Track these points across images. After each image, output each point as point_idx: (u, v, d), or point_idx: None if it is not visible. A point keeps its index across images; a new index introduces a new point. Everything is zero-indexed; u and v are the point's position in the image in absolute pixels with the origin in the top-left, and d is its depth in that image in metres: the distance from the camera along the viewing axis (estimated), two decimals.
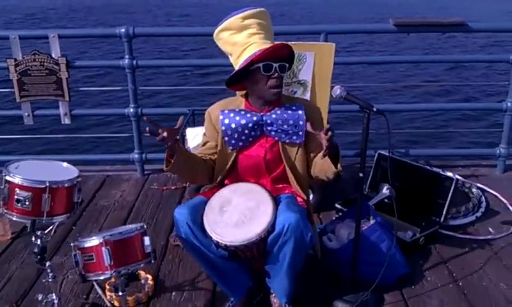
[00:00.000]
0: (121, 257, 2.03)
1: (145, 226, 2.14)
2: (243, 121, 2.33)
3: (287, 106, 2.35)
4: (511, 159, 4.18)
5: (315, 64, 3.05)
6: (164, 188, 3.89)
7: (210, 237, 2.17)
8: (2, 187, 2.08)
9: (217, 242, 2.16)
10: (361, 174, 2.35)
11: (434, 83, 9.42)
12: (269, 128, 2.33)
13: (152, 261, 2.13)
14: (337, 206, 3.34)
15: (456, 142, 6.34)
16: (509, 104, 3.95)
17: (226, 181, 2.48)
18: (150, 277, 2.70)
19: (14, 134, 4.87)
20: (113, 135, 5.45)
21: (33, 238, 2.17)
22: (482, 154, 4.48)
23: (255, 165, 2.41)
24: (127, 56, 3.76)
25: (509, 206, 3.52)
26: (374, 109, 2.23)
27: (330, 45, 3.10)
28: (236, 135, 2.35)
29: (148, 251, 2.10)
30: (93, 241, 2.02)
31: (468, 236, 3.16)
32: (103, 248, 1.99)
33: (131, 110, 3.92)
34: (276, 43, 2.23)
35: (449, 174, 3.23)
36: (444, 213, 3.16)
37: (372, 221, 2.75)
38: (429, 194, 3.23)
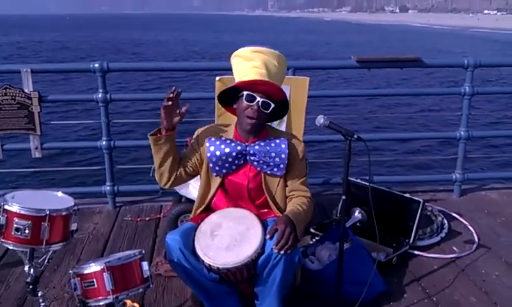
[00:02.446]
0: (121, 282, 2.06)
1: (143, 251, 2.18)
2: (227, 150, 2.43)
3: (272, 139, 2.47)
4: (466, 184, 4.48)
5: (290, 96, 3.22)
6: (138, 219, 3.90)
7: (203, 261, 2.24)
8: None
9: (210, 265, 2.22)
10: (343, 197, 2.51)
11: (394, 114, 9.89)
12: (252, 158, 2.44)
13: (151, 286, 2.17)
14: (312, 230, 3.47)
15: (414, 168, 6.68)
16: (462, 133, 4.26)
17: (214, 202, 2.57)
18: (137, 305, 2.70)
19: None
20: (83, 168, 5.40)
21: (26, 268, 2.16)
22: (439, 180, 4.76)
23: (239, 192, 2.51)
24: (100, 90, 3.81)
25: (469, 227, 3.77)
26: (355, 136, 2.39)
27: (305, 79, 3.28)
28: (220, 163, 2.45)
29: (147, 275, 2.14)
30: (94, 267, 2.04)
31: (435, 256, 3.36)
32: (104, 273, 2.02)
33: (103, 143, 3.95)
34: (264, 80, 2.32)
35: (416, 198, 3.44)
36: (413, 234, 3.36)
37: (350, 243, 2.89)
38: (397, 217, 3.43)
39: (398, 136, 5.75)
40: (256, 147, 2.43)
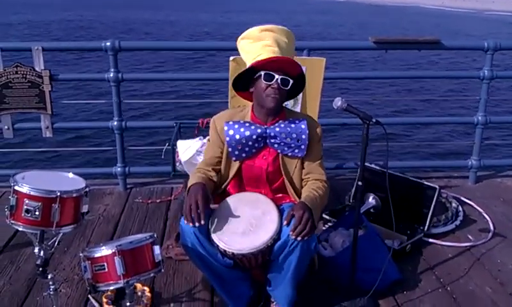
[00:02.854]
0: (132, 266, 2.03)
1: (155, 235, 2.14)
2: (247, 133, 2.37)
3: (291, 120, 2.41)
4: (481, 170, 4.40)
5: (306, 78, 3.13)
6: (149, 201, 3.87)
7: (217, 246, 2.20)
8: (10, 196, 2.04)
9: (224, 251, 2.19)
10: (359, 183, 2.44)
11: (410, 98, 9.76)
12: (272, 140, 2.38)
13: (162, 270, 2.13)
14: (325, 216, 3.41)
15: (428, 154, 6.58)
16: (479, 118, 4.16)
17: (228, 189, 2.52)
18: (147, 289, 2.68)
19: None
20: (94, 149, 5.38)
21: (36, 250, 2.14)
22: (454, 166, 4.68)
23: (257, 176, 2.46)
24: (112, 70, 3.75)
25: (485, 215, 3.69)
26: (373, 120, 2.33)
27: (321, 60, 3.20)
28: (240, 147, 2.39)
29: (159, 259, 2.11)
30: (105, 250, 2.01)
31: (450, 244, 3.30)
32: (116, 257, 1.98)
33: (115, 123, 3.90)
34: (281, 56, 2.27)
35: (431, 184, 3.37)
36: (428, 221, 3.30)
37: (365, 229, 2.83)
38: (412, 204, 3.36)
39: (414, 120, 5.63)
40: (277, 129, 2.37)
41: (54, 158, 5.94)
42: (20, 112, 3.84)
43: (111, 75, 3.76)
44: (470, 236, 3.41)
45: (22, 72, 3.69)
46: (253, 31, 2.36)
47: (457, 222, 3.54)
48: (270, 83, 2.27)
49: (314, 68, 3.19)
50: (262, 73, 2.28)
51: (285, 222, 2.19)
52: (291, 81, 2.30)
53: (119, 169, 4.04)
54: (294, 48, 2.46)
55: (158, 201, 3.88)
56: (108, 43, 3.68)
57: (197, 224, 2.15)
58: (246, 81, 2.38)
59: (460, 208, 3.72)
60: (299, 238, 2.13)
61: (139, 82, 8.81)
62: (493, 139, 6.93)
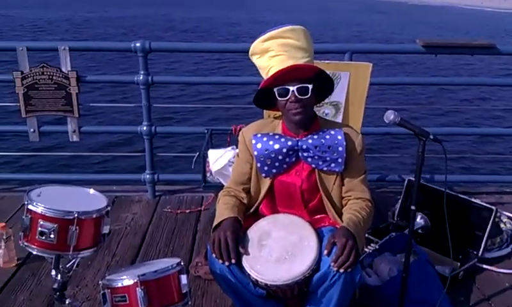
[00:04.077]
0: (156, 299, 1.80)
1: (182, 263, 1.91)
2: (276, 146, 2.13)
3: (325, 130, 2.15)
4: None
5: (349, 84, 2.88)
6: (178, 211, 3.66)
7: (249, 275, 1.97)
8: (23, 216, 1.85)
9: (256, 280, 1.95)
10: (413, 207, 2.17)
11: (456, 106, 9.33)
12: (305, 154, 2.13)
13: (189, 303, 1.90)
14: (367, 236, 3.14)
15: (478, 167, 6.20)
16: None
17: (261, 208, 2.29)
18: None
19: (18, 151, 4.63)
20: (122, 155, 5.22)
21: (53, 273, 1.94)
22: (506, 181, 4.32)
23: (291, 194, 2.21)
24: (142, 72, 3.56)
25: None
26: (431, 137, 2.05)
27: (367, 65, 2.92)
28: (269, 162, 2.15)
29: (185, 290, 1.88)
30: (126, 280, 1.79)
31: (506, 271, 2.99)
32: (138, 288, 1.76)
33: (144, 128, 3.71)
34: (288, 66, 2.00)
35: (487, 205, 3.06)
36: (483, 245, 2.98)
37: (415, 256, 2.55)
38: (464, 225, 3.05)
39: (466, 131, 5.24)
40: (310, 141, 2.11)
41: (80, 164, 5.80)
42: (47, 115, 3.68)
43: (141, 77, 3.56)
44: None
45: (49, 73, 3.53)
46: (256, 44, 2.11)
47: None
48: (286, 98, 2.03)
49: (359, 74, 2.91)
50: (275, 91, 2.05)
51: (325, 252, 1.94)
52: (310, 86, 2.03)
53: (148, 176, 3.84)
54: (310, 43, 2.13)
55: (187, 211, 3.67)
56: (138, 44, 3.49)
57: (227, 263, 1.95)
58: (269, 99, 2.14)
59: None
60: (341, 270, 1.88)
61: (170, 85, 8.63)
62: None
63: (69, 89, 3.57)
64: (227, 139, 3.33)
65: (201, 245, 3.22)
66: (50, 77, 3.54)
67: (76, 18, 21.54)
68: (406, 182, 3.38)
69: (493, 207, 3.01)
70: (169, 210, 3.68)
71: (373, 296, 2.50)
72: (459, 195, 3.23)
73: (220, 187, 3.06)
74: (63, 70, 3.54)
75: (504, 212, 3.61)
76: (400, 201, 3.39)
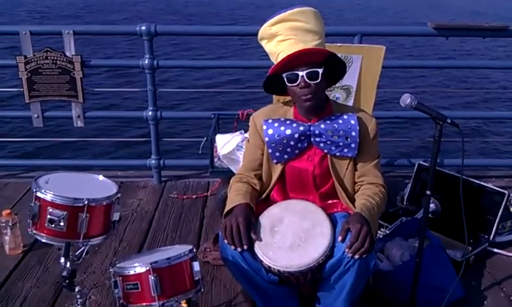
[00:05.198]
0: (169, 286, 1.77)
1: (194, 249, 1.88)
2: (288, 132, 2.09)
3: (338, 115, 2.10)
4: None
5: (361, 68, 2.82)
6: (185, 197, 3.63)
7: (261, 261, 1.94)
8: (31, 204, 1.81)
9: (269, 267, 1.92)
10: (428, 192, 2.13)
11: (469, 89, 9.21)
12: (317, 139, 2.09)
13: (202, 290, 1.87)
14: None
15: (487, 151, 6.13)
16: None
17: (272, 194, 2.25)
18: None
19: (21, 137, 4.58)
20: (127, 140, 5.16)
21: (62, 261, 1.90)
22: None
23: (303, 180, 2.17)
24: (147, 56, 3.49)
25: None
26: (448, 121, 2.00)
27: (380, 48, 2.85)
28: (281, 147, 2.11)
29: (198, 277, 1.85)
30: (139, 268, 1.76)
31: None
32: (150, 276, 1.73)
33: (150, 113, 3.66)
34: (299, 48, 1.94)
35: (498, 189, 3.02)
36: (494, 229, 2.95)
37: (428, 241, 2.51)
38: (475, 209, 3.01)
39: (469, 114, 5.18)
40: (322, 126, 2.06)
41: (85, 149, 5.72)
42: (51, 100, 3.62)
43: (146, 61, 3.49)
44: None
45: (53, 57, 3.47)
46: (264, 28, 2.05)
47: None
48: (296, 84, 1.98)
49: (372, 57, 2.84)
50: (284, 76, 2.00)
51: (339, 238, 1.90)
52: (320, 71, 1.97)
53: (153, 161, 3.80)
54: (321, 24, 2.06)
55: (194, 196, 3.63)
56: (143, 27, 3.42)
57: (239, 249, 1.92)
58: (279, 85, 2.08)
59: None
60: (356, 256, 1.85)
61: (176, 70, 8.50)
62: None
63: (73, 74, 3.51)
64: (234, 124, 3.29)
65: (209, 231, 3.19)
66: (54, 61, 3.48)
67: (77, 3, 21.17)
68: (416, 166, 3.33)
69: (505, 191, 2.97)
70: (175, 196, 3.65)
71: (385, 281, 2.47)
72: (470, 179, 3.19)
73: (227, 172, 3.03)
74: (67, 54, 3.47)
75: None
76: (409, 185, 3.35)
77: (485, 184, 3.07)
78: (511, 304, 2.55)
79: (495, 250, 2.98)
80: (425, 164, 3.28)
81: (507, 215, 3.22)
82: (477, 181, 3.09)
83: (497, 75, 10.40)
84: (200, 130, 4.66)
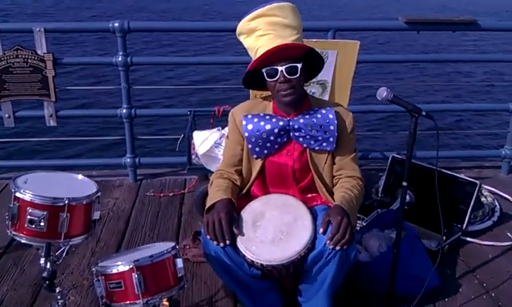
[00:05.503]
0: (153, 283, 1.77)
1: (177, 247, 1.88)
2: (268, 127, 2.11)
3: (316, 109, 2.14)
4: None
5: (336, 63, 2.85)
6: (161, 195, 3.61)
7: (244, 256, 1.96)
8: (10, 204, 1.78)
9: (252, 261, 1.94)
10: (404, 183, 2.18)
11: (439, 83, 9.36)
12: (296, 134, 2.12)
13: (186, 286, 1.88)
14: None
15: (458, 143, 6.27)
16: None
17: (252, 190, 2.26)
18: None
19: None
20: (101, 138, 5.08)
21: (42, 261, 1.88)
22: (486, 155, 4.38)
23: (283, 174, 2.20)
24: (120, 53, 3.45)
25: None
26: (423, 113, 2.05)
27: (355, 43, 2.88)
28: (260, 142, 2.14)
29: (181, 274, 1.85)
30: (122, 266, 1.75)
31: (489, 243, 3.04)
32: (133, 274, 1.73)
33: (124, 111, 3.62)
34: (277, 43, 1.97)
35: (471, 179, 3.10)
36: (467, 219, 3.03)
37: (404, 232, 2.56)
38: (448, 199, 3.09)
39: (439, 107, 5.28)
40: (301, 120, 2.10)
41: (59, 149, 5.61)
42: (22, 100, 3.55)
43: (119, 58, 3.45)
44: (509, 234, 3.14)
45: (23, 56, 3.40)
46: (243, 23, 2.06)
47: (495, 219, 3.29)
48: (275, 79, 2.01)
49: (347, 52, 2.88)
50: (263, 71, 2.02)
51: (321, 230, 1.94)
52: (299, 66, 2.00)
53: (128, 160, 3.76)
54: (299, 20, 2.10)
55: (171, 194, 3.62)
56: (116, 24, 3.37)
57: (222, 245, 1.94)
58: (258, 80, 2.10)
59: (496, 203, 3.45)
60: (337, 248, 1.89)
61: (150, 67, 8.39)
62: None
63: (45, 73, 3.45)
64: (210, 121, 3.28)
65: (187, 228, 3.18)
66: (25, 60, 3.41)
67: (44, 0, 20.69)
68: (390, 159, 3.39)
69: (477, 181, 3.06)
70: (152, 194, 3.62)
71: (363, 272, 2.51)
72: (443, 170, 3.27)
73: (205, 169, 3.03)
74: (39, 52, 3.40)
75: (485, 186, 3.67)
76: (384, 177, 3.41)
77: (457, 175, 3.15)
78: (484, 289, 2.63)
79: (468, 239, 3.06)
80: (399, 157, 3.34)
81: (478, 205, 3.32)
82: (449, 172, 3.17)
83: (468, 68, 10.64)
84: (175, 128, 4.63)
